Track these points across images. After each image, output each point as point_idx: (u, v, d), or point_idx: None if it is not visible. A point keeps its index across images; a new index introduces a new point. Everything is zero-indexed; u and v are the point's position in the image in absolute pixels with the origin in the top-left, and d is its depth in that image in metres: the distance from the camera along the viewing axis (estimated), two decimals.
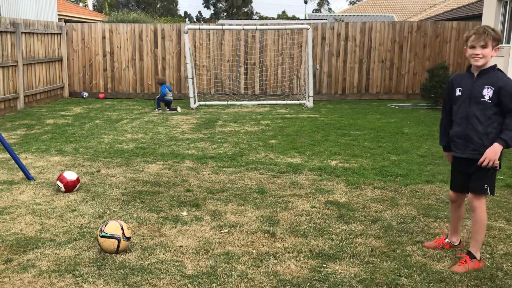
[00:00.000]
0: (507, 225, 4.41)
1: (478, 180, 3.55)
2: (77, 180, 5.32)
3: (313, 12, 63.87)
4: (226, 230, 4.27)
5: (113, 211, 4.77)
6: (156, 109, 11.83)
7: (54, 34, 13.63)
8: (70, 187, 5.26)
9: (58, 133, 8.76)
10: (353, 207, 4.88)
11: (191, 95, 12.40)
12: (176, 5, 64.93)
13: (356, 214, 4.68)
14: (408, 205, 4.94)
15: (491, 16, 11.74)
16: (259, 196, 5.21)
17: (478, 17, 13.99)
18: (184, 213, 4.69)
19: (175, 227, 4.34)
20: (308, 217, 4.60)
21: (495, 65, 3.43)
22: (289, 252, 3.82)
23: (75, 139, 8.20)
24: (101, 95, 14.41)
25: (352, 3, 67.13)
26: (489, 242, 4.05)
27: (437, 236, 4.16)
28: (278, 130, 9.24)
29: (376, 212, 4.76)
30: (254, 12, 69.73)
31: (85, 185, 5.58)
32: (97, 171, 6.19)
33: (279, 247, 3.92)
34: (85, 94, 14.26)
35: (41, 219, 4.53)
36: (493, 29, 3.38)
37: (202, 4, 68.06)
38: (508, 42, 11.01)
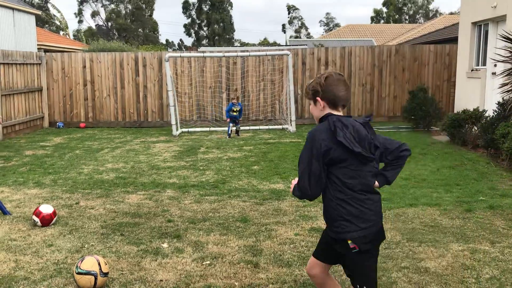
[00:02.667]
0: (492, 248, 4.38)
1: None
2: (54, 213, 5.17)
3: (290, 37, 64.84)
4: (208, 262, 4.16)
5: (92, 245, 4.62)
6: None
7: (34, 64, 13.52)
8: (47, 221, 5.10)
9: (36, 164, 8.58)
10: None
11: (173, 122, 12.33)
12: (158, 33, 65.33)
13: None
14: (392, 230, 4.89)
15: (466, 39, 12.00)
16: (242, 225, 5.12)
17: (454, 40, 14.30)
18: (165, 245, 4.56)
19: (156, 260, 4.22)
20: (292, 245, 4.52)
21: (327, 114, 2.67)
22: (273, 283, 3.72)
23: (54, 171, 8.04)
24: (82, 125, 14.25)
25: (329, 30, 68.43)
26: (474, 265, 4.01)
27: (422, 261, 4.10)
28: (261, 155, 9.20)
29: None
30: (235, 39, 70.52)
31: (63, 218, 5.43)
32: (76, 203, 6.04)
33: (262, 278, 3.82)
34: (61, 124, 14.08)
35: (16, 255, 4.36)
36: (308, 86, 2.74)
37: (184, 32, 68.62)
38: (484, 64, 11.22)
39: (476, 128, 9.48)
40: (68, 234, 4.92)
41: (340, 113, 2.67)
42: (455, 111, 10.98)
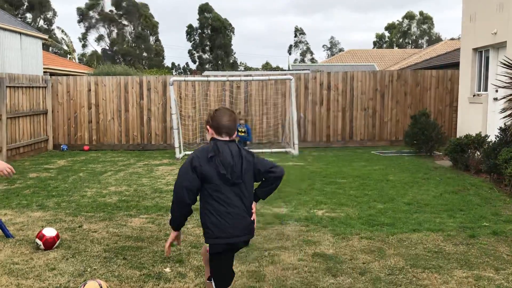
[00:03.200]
0: (496, 275, 4.35)
1: None
2: (57, 236, 5.17)
3: (294, 62, 65.50)
4: None
5: (94, 268, 4.61)
6: None
7: (39, 87, 13.68)
8: (50, 244, 5.10)
9: (40, 187, 8.61)
10: (341, 259, 4.80)
11: (176, 145, 12.40)
12: (163, 58, 66.11)
13: (344, 266, 4.59)
14: (395, 255, 4.87)
15: (467, 65, 12.12)
16: (245, 250, 5.09)
17: (456, 65, 14.44)
18: (167, 270, 4.55)
19: (158, 285, 4.20)
20: (295, 271, 4.50)
21: (212, 139, 3.24)
22: None
23: (58, 193, 8.06)
24: (86, 147, 14.33)
25: (332, 54, 69.15)
26: None
27: (426, 287, 4.08)
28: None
29: (364, 263, 4.68)
30: (239, 62, 71.25)
31: (66, 241, 5.42)
32: (79, 227, 6.04)
33: None
34: (65, 147, 14.18)
35: (18, 279, 4.35)
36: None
37: (189, 57, 69.45)
38: (485, 90, 11.31)
39: (478, 153, 9.49)
40: (71, 257, 4.92)
41: (225, 139, 3.21)
42: (458, 136, 11.01)
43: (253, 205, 3.32)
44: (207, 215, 3.13)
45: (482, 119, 11.07)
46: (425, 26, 66.97)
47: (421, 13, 67.12)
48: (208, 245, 3.18)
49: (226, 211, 3.10)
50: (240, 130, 12.30)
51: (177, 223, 3.21)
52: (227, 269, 3.26)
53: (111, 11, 60.74)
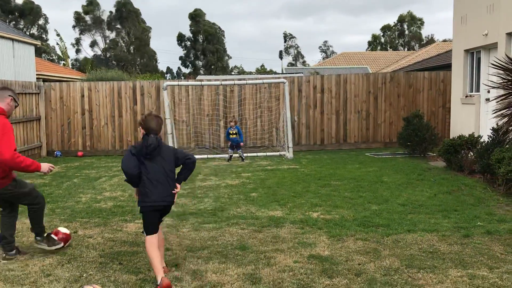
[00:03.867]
0: (490, 273, 4.39)
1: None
2: (70, 235, 5.45)
3: (288, 65, 65.68)
4: None
5: (90, 274, 4.60)
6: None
7: (32, 93, 13.64)
8: (64, 240, 5.33)
9: None
10: (336, 260, 4.81)
11: None
12: (156, 62, 66.04)
13: (339, 268, 4.61)
14: (391, 256, 4.90)
15: (459, 66, 12.22)
16: (241, 253, 5.11)
17: (448, 66, 14.54)
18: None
19: None
20: (291, 273, 4.51)
21: (143, 137, 4.54)
22: None
23: (52, 200, 8.02)
24: (79, 153, 14.28)
25: (326, 57, 69.46)
26: None
27: (421, 287, 4.11)
28: (259, 182, 9.22)
29: (359, 264, 4.70)
30: (234, 66, 71.39)
31: (61, 247, 5.40)
32: (74, 232, 6.02)
33: None
34: (59, 153, 14.14)
35: (13, 286, 4.33)
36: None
37: (181, 63, 69.53)
38: (477, 90, 11.40)
39: (472, 154, 9.56)
40: (67, 263, 4.90)
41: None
42: (451, 137, 11.09)
43: (178, 186, 4.61)
44: (140, 186, 4.44)
45: (475, 119, 11.15)
46: (415, 28, 67.54)
47: (410, 15, 67.75)
48: (139, 208, 4.51)
49: (152, 184, 4.39)
50: (231, 132, 12.39)
51: (135, 185, 4.52)
52: (152, 223, 4.49)
53: (107, 14, 60.67)
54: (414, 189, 8.20)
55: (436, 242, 5.32)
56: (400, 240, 5.42)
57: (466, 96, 11.88)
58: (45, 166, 5.06)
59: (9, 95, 4.99)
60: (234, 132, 12.39)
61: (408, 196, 7.67)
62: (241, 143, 12.56)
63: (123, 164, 4.42)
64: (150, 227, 4.45)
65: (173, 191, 4.50)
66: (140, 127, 4.54)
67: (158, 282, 4.13)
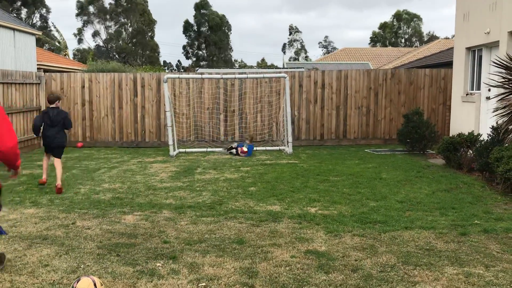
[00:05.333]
0: (486, 272, 4.41)
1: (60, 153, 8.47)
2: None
3: (290, 60, 65.53)
4: (204, 284, 4.17)
5: (88, 265, 4.62)
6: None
7: (33, 84, 13.62)
8: None
9: (33, 184, 8.59)
10: (333, 256, 4.83)
11: (170, 142, 12.40)
12: (158, 54, 65.87)
13: (336, 263, 4.63)
14: (387, 253, 4.92)
15: (460, 64, 12.20)
16: (238, 247, 5.13)
17: (449, 64, 14.52)
18: (159, 264, 4.57)
19: (151, 281, 4.22)
20: (287, 268, 4.53)
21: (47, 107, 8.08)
22: None
23: (51, 190, 8.04)
24: (79, 144, 14.28)
25: (327, 52, 69.34)
26: None
27: (417, 284, 4.13)
28: (257, 176, 9.23)
29: (356, 260, 4.72)
30: (235, 60, 71.18)
31: (59, 238, 5.43)
32: (72, 223, 6.05)
33: None
34: None
35: (11, 275, 4.36)
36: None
37: (182, 53, 69.28)
38: (478, 89, 11.39)
39: (471, 152, 9.57)
40: (64, 254, 4.92)
41: (51, 106, 8.32)
42: (451, 135, 11.09)
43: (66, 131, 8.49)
44: (42, 136, 8.14)
45: (475, 117, 11.15)
46: (413, 24, 67.47)
47: (407, 13, 67.66)
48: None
49: (48, 136, 8.23)
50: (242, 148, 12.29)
51: (38, 134, 8.25)
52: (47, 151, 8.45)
53: (110, 4, 60.37)
54: (413, 186, 8.22)
55: (433, 240, 5.34)
56: (397, 237, 5.44)
57: (467, 94, 11.87)
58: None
59: None
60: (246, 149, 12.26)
61: (407, 193, 7.69)
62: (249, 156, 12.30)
63: (35, 123, 8.28)
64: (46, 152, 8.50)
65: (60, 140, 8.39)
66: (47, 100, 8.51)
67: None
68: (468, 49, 11.90)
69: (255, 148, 13.15)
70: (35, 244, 5.21)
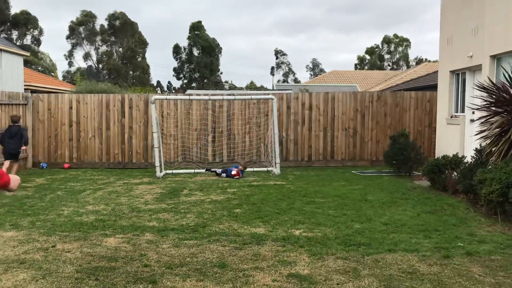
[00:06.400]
0: None
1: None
2: None
3: (278, 82, 66.08)
4: None
5: None
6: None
7: (20, 104, 13.55)
8: None
9: (16, 206, 8.47)
10: (315, 280, 4.79)
11: (157, 164, 12.33)
12: (149, 75, 66.05)
13: (318, 287, 4.58)
14: (370, 276, 4.88)
15: (445, 87, 12.37)
16: (220, 270, 5.07)
17: (435, 87, 14.71)
18: None
19: None
20: None
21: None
22: None
23: (33, 212, 7.93)
24: (66, 165, 14.16)
25: (315, 75, 70.10)
26: None
27: None
28: (244, 198, 9.19)
29: (338, 284, 4.68)
30: (225, 81, 71.50)
31: (37, 262, 5.33)
32: (52, 246, 5.94)
33: None
34: (44, 165, 14.00)
35: None
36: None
37: (173, 75, 69.57)
38: (462, 111, 11.53)
39: (455, 174, 9.63)
40: (41, 278, 4.82)
41: (12, 124, 11.35)
42: (436, 156, 11.17)
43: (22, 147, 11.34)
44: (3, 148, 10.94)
45: (460, 140, 11.26)
46: (401, 49, 68.68)
47: (396, 36, 68.90)
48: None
49: (8, 147, 11.11)
50: (233, 173, 12.14)
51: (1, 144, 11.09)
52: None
53: (102, 26, 60.65)
54: (398, 208, 8.22)
55: (416, 263, 5.32)
56: (380, 260, 5.41)
57: (452, 117, 12.00)
58: None
59: None
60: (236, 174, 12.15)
61: (391, 215, 7.68)
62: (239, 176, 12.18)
63: None
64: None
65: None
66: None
67: None
68: (452, 72, 12.09)
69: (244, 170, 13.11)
70: (11, 268, 5.11)
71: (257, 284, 4.68)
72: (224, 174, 12.29)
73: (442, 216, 7.59)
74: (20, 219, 7.45)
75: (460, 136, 11.26)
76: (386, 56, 69.23)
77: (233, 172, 12.07)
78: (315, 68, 77.25)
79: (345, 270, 5.07)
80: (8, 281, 4.73)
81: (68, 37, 60.70)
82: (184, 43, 67.78)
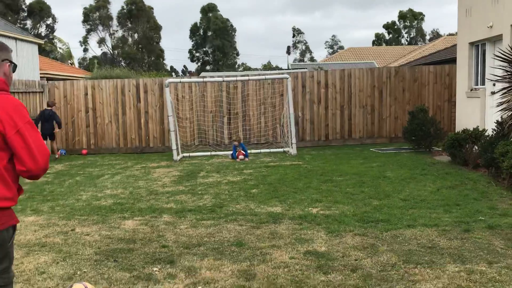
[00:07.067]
0: (489, 268, 4.29)
1: None
2: None
3: (294, 61, 65.48)
4: (200, 287, 4.10)
5: (84, 271, 4.58)
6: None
7: (36, 92, 13.69)
8: None
9: (35, 192, 8.59)
10: (333, 256, 4.74)
11: (173, 147, 12.37)
12: (163, 60, 66.12)
13: (335, 264, 4.54)
14: (388, 252, 4.82)
15: (464, 59, 12.05)
16: (237, 249, 5.06)
17: (453, 60, 14.35)
18: (156, 269, 4.51)
19: (147, 286, 4.16)
20: (286, 269, 4.45)
21: None
22: None
23: (53, 198, 8.04)
24: (84, 151, 14.32)
25: (333, 52, 69.19)
26: (470, 287, 3.92)
27: (417, 283, 4.03)
28: (260, 179, 9.16)
29: (356, 260, 4.63)
30: (240, 63, 71.18)
31: (57, 245, 5.40)
32: (72, 230, 6.01)
33: None
34: (63, 151, 14.12)
35: None
36: None
37: (188, 57, 69.45)
38: (483, 84, 11.23)
39: (476, 148, 9.42)
40: (62, 261, 4.88)
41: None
42: (456, 131, 10.94)
43: None
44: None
45: (480, 113, 11.00)
46: (416, 23, 67.33)
47: (410, 11, 67.50)
48: None
49: (43, 129, 11.24)
50: (237, 149, 12.17)
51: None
52: None
53: (117, 11, 60.68)
54: (417, 184, 8.09)
55: (436, 237, 5.23)
56: (399, 235, 5.34)
57: (471, 90, 11.71)
58: None
59: (5, 59, 2.77)
60: (240, 149, 12.18)
61: (411, 191, 7.57)
62: (247, 159, 12.15)
63: None
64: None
65: None
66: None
67: None
68: (472, 44, 11.75)
69: (259, 150, 13.08)
70: (33, 251, 5.18)
71: (274, 261, 4.66)
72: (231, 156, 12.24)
73: (463, 190, 7.45)
74: (40, 204, 7.56)
75: (480, 109, 10.99)
76: (403, 32, 67.94)
77: (240, 157, 11.93)
78: (334, 46, 76.31)
79: (363, 246, 5.01)
80: (30, 264, 4.80)
81: (84, 21, 60.66)
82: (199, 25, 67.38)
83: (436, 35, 62.70)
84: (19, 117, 2.57)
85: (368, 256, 4.72)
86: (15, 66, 2.86)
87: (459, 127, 11.73)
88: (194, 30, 67.49)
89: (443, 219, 5.90)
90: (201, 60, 68.07)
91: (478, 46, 11.60)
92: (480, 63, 11.52)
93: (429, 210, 6.37)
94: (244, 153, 12.05)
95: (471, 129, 9.73)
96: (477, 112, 11.15)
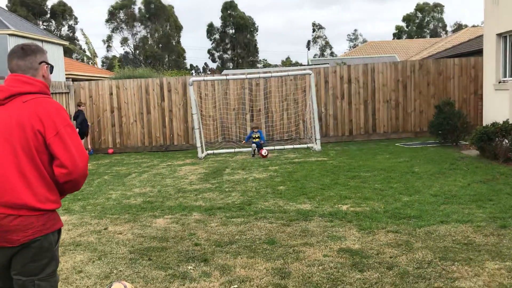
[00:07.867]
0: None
1: None
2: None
3: (314, 57, 65.06)
4: (236, 286, 4.12)
5: (120, 270, 4.64)
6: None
7: (62, 93, 13.91)
8: None
9: None
10: (367, 254, 4.71)
11: (198, 145, 12.44)
12: (184, 59, 66.42)
13: (370, 261, 4.51)
14: (423, 249, 4.76)
15: (492, 51, 11.80)
16: (269, 247, 5.07)
17: (479, 52, 14.08)
18: (190, 267, 4.54)
19: (183, 285, 4.20)
20: (320, 267, 4.44)
21: None
22: None
23: (83, 197, 8.17)
24: (110, 150, 14.51)
25: (354, 46, 68.52)
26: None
27: (456, 280, 3.97)
28: (286, 175, 9.15)
29: (391, 257, 4.59)
30: (260, 59, 71.00)
31: (91, 244, 5.48)
32: (105, 229, 6.10)
33: None
34: (91, 151, 14.34)
35: None
36: None
37: (209, 57, 69.64)
38: (511, 76, 11.00)
39: (507, 141, 9.23)
40: (97, 260, 4.96)
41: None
42: (484, 124, 10.74)
43: None
44: None
45: (509, 105, 10.76)
46: (436, 14, 66.14)
47: (426, 4, 66.40)
48: None
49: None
50: (253, 136, 12.27)
51: None
52: None
53: (139, 10, 61.09)
54: (447, 179, 7.97)
55: (471, 234, 5.15)
56: (432, 232, 5.27)
57: (500, 82, 11.47)
58: None
59: (42, 61, 2.77)
60: (257, 136, 12.26)
61: (441, 186, 7.46)
62: (262, 142, 12.26)
63: None
64: None
65: None
66: None
67: None
68: (499, 35, 11.50)
69: (283, 147, 13.06)
70: (68, 250, 5.28)
71: (308, 259, 4.65)
72: (254, 145, 12.17)
73: (494, 185, 7.31)
74: (71, 203, 7.69)
75: (509, 101, 10.76)
76: (423, 24, 66.84)
77: (263, 152, 11.82)
78: (355, 40, 75.57)
79: (397, 243, 4.96)
80: (66, 263, 4.89)
81: (107, 21, 61.22)
82: (216, 23, 67.48)
83: (458, 27, 61.56)
84: (60, 120, 2.62)
85: (403, 253, 4.67)
86: (52, 68, 2.88)
87: (486, 121, 11.50)
88: (210, 29, 67.57)
89: (476, 215, 5.80)
90: (221, 58, 68.15)
91: (506, 37, 11.35)
92: (508, 55, 11.27)
93: (461, 206, 6.27)
94: (265, 150, 11.88)
95: (500, 122, 9.53)
96: (505, 105, 10.91)
